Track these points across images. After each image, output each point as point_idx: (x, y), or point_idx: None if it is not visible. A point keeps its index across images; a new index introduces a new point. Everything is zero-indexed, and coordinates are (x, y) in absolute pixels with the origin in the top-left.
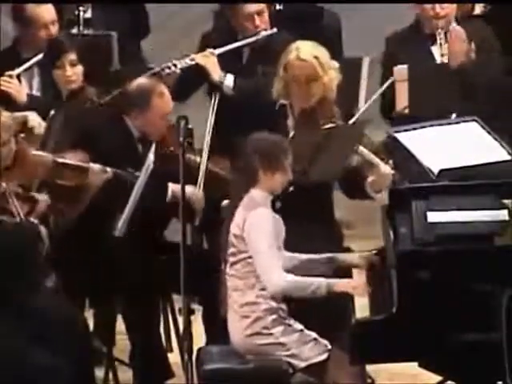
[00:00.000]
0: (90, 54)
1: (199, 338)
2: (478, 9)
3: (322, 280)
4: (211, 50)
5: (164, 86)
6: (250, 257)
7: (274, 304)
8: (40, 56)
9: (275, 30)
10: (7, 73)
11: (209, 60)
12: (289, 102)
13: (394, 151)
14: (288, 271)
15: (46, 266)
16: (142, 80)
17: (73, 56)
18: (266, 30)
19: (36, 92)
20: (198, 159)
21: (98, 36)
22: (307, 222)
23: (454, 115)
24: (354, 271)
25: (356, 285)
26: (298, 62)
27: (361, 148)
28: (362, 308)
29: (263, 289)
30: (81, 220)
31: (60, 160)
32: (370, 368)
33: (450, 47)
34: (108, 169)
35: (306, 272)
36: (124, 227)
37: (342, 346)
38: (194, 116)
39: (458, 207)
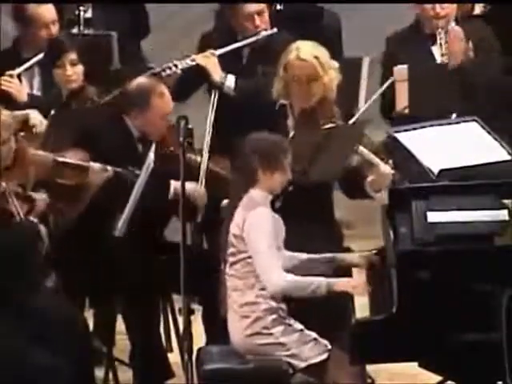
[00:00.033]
0: (90, 54)
1: (199, 338)
2: (478, 9)
3: (321, 279)
4: (212, 50)
5: (164, 86)
6: (249, 257)
7: (273, 304)
8: (40, 56)
9: (275, 29)
10: (8, 72)
11: (209, 61)
12: (289, 102)
13: (394, 151)
14: (288, 271)
15: (46, 266)
16: (141, 80)
17: (73, 56)
18: (266, 30)
19: (36, 92)
20: (198, 159)
21: (98, 36)
22: (307, 222)
23: (454, 115)
24: (354, 271)
25: (356, 284)
26: (298, 61)
27: (361, 148)
28: (362, 308)
29: (263, 289)
30: (81, 220)
31: (60, 159)
32: (370, 368)
33: (449, 47)
34: (108, 167)
35: (305, 272)
36: (124, 227)
37: (342, 345)
38: (194, 116)
39: (458, 207)
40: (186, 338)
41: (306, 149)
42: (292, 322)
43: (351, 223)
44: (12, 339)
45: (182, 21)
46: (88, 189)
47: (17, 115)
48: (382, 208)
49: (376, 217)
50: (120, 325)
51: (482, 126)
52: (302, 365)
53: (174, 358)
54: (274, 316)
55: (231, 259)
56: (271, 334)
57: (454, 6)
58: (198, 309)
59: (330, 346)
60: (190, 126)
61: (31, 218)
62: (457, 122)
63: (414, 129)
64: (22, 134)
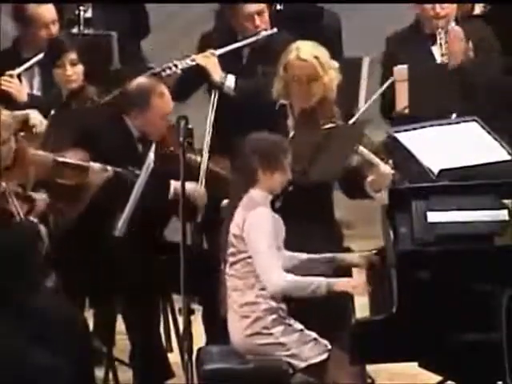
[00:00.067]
0: (90, 54)
1: (199, 338)
2: (478, 9)
3: (321, 279)
4: (212, 50)
5: (164, 86)
6: (249, 257)
7: (273, 304)
8: (40, 56)
9: (275, 29)
10: (8, 72)
11: (209, 61)
12: (289, 102)
13: (394, 151)
14: (288, 271)
15: (46, 266)
16: (141, 80)
17: (73, 55)
18: (266, 30)
19: (36, 91)
20: (198, 159)
21: (98, 36)
22: (307, 221)
23: (454, 115)
24: (354, 271)
25: (356, 284)
26: (298, 61)
27: (361, 148)
28: (362, 308)
29: (263, 289)
30: (81, 220)
31: (60, 159)
32: (370, 368)
33: (449, 47)
34: (108, 167)
35: (305, 271)
36: (124, 227)
37: (342, 345)
38: (194, 116)
39: (458, 207)
40: (185, 338)
41: (305, 149)
42: (292, 322)
43: (351, 223)
44: (12, 339)
45: (182, 21)
46: (88, 189)
47: (17, 115)
48: (382, 208)
49: (376, 217)
50: (120, 325)
51: (482, 126)
52: (302, 365)
53: (174, 358)
54: (273, 316)
55: (231, 259)
56: (271, 334)
57: (454, 5)
58: (198, 309)
59: (329, 346)
60: (189, 126)
61: (31, 218)
62: (457, 122)
63: (414, 129)
64: (21, 133)
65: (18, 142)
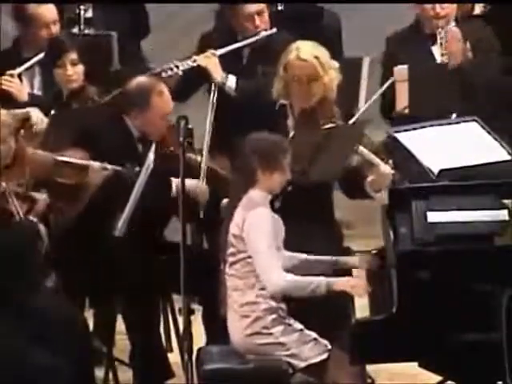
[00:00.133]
0: (90, 54)
1: (199, 338)
2: (478, 9)
3: (321, 279)
4: (212, 50)
5: (164, 85)
6: (249, 257)
7: (273, 304)
8: (41, 55)
9: (275, 30)
10: (8, 72)
11: (210, 61)
12: (289, 102)
13: (394, 151)
14: (288, 271)
15: (46, 266)
16: (141, 79)
17: (74, 55)
18: (266, 30)
19: (37, 91)
20: (198, 158)
21: (98, 36)
22: (307, 221)
23: (454, 115)
24: (354, 270)
25: (355, 284)
26: (299, 61)
27: (361, 148)
28: (361, 308)
29: (263, 288)
30: (81, 219)
31: (60, 158)
32: (370, 368)
33: (448, 48)
34: (108, 166)
35: (305, 271)
36: (124, 227)
37: (342, 345)
38: (193, 116)
39: (458, 207)
40: (185, 338)
41: (305, 149)
42: (292, 321)
43: (351, 223)
44: (12, 339)
45: (182, 21)
46: (87, 188)
47: (17, 113)
48: (382, 208)
49: (376, 217)
50: (120, 325)
51: (482, 126)
52: (302, 365)
53: (174, 358)
54: (273, 316)
55: (231, 259)
56: (271, 334)
57: (454, 5)
58: (198, 309)
59: (329, 346)
60: (189, 126)
61: (31, 218)
62: (457, 122)
63: (414, 129)
64: (21, 131)
65: (18, 141)
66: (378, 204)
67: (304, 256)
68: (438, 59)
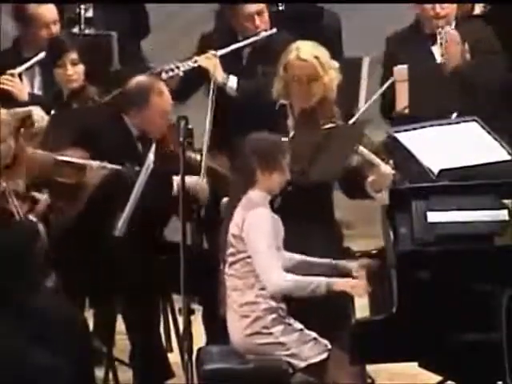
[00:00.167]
0: (90, 54)
1: (199, 338)
2: (478, 9)
3: (321, 279)
4: (213, 51)
5: (162, 84)
6: (248, 257)
7: (273, 303)
8: (41, 55)
9: (275, 30)
10: (9, 71)
11: (211, 62)
12: (289, 102)
13: (394, 151)
14: (288, 271)
15: (46, 266)
16: (140, 78)
17: (74, 55)
18: (266, 30)
19: (37, 91)
20: (198, 157)
21: (98, 36)
22: (307, 222)
23: (454, 115)
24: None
25: (355, 284)
26: (299, 61)
27: (361, 148)
28: (362, 308)
29: (263, 288)
30: (81, 219)
31: (60, 158)
32: (370, 368)
33: (447, 50)
34: (108, 165)
35: (304, 272)
36: (124, 227)
37: (342, 345)
38: (194, 116)
39: (458, 207)
40: (185, 337)
41: (305, 149)
42: (292, 321)
43: (351, 223)
44: (12, 339)
45: (182, 21)
46: (87, 187)
47: (18, 112)
48: (382, 208)
49: (376, 217)
50: (120, 325)
51: (482, 126)
52: (302, 364)
53: (174, 358)
54: (273, 315)
55: (230, 259)
56: (271, 334)
57: (454, 5)
58: (198, 309)
59: (329, 346)
60: (189, 127)
61: (30, 217)
62: (457, 122)
63: (414, 129)
64: (21, 130)
65: (18, 140)
66: (378, 204)
67: (302, 257)
68: (438, 59)
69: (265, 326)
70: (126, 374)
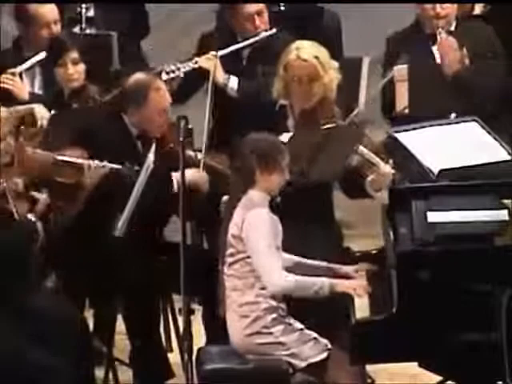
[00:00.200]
0: (90, 54)
1: (199, 338)
2: (478, 9)
3: (324, 280)
4: (213, 52)
5: (160, 81)
6: (248, 257)
7: (273, 303)
8: (42, 55)
9: (274, 30)
10: (9, 70)
11: (212, 63)
12: (289, 103)
13: (394, 151)
14: (288, 270)
15: (46, 266)
16: (138, 76)
17: (75, 54)
18: (266, 30)
19: (38, 90)
20: (198, 155)
21: (98, 35)
22: (307, 222)
23: (453, 115)
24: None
25: (357, 285)
26: (299, 61)
27: (361, 148)
28: (361, 308)
29: (263, 288)
30: (81, 219)
31: (59, 157)
32: (370, 368)
33: (443, 58)
34: (108, 165)
35: (302, 273)
36: (124, 227)
37: (342, 345)
38: (194, 116)
39: (458, 207)
40: (185, 338)
41: (305, 149)
42: (292, 321)
43: (351, 223)
44: (12, 339)
45: (182, 21)
46: (87, 187)
47: (20, 109)
48: (382, 208)
49: (376, 217)
50: (120, 325)
51: (482, 126)
52: (302, 364)
53: (174, 358)
54: (273, 315)
55: (230, 259)
56: (271, 334)
57: (455, 5)
58: (197, 309)
59: (329, 345)
60: (189, 126)
61: (29, 217)
62: (457, 122)
63: (414, 129)
64: (21, 127)
65: (18, 139)
66: (378, 204)
67: (299, 259)
68: (438, 59)
69: (265, 326)
70: (126, 374)
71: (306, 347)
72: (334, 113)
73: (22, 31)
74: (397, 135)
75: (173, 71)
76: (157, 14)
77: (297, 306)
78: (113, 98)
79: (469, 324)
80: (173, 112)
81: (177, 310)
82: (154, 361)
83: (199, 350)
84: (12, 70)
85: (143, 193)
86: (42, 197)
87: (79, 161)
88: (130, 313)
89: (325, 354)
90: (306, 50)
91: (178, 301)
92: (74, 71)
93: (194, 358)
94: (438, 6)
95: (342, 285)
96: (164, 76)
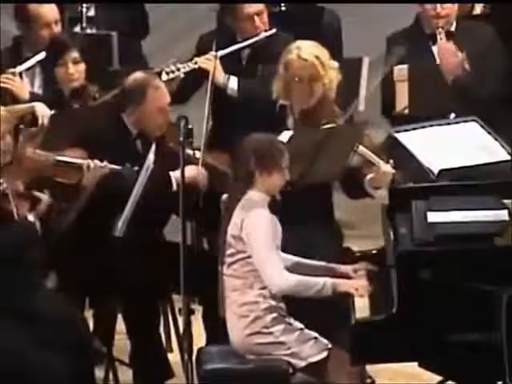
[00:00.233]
0: (90, 53)
1: (199, 338)
2: (478, 9)
3: (326, 279)
4: (213, 52)
5: (159, 80)
6: (248, 256)
7: (273, 303)
8: (42, 54)
9: (274, 30)
10: (9, 70)
11: (212, 63)
12: (289, 103)
13: (394, 151)
14: (288, 271)
15: (46, 266)
16: (137, 74)
17: (75, 54)
18: (265, 30)
19: (37, 90)
20: (197, 154)
21: (98, 35)
22: (307, 222)
23: (453, 115)
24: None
25: (359, 285)
26: (299, 61)
27: (361, 147)
28: (361, 308)
29: (262, 288)
30: (81, 219)
31: (60, 158)
32: (370, 368)
33: (443, 64)
34: (108, 165)
35: (304, 272)
36: (124, 227)
37: (342, 345)
38: (194, 116)
39: (457, 207)
40: (186, 338)
41: (306, 149)
42: (292, 320)
43: (351, 223)
44: (12, 339)
45: (182, 21)
46: (87, 188)
47: (21, 108)
48: (382, 208)
49: (376, 217)
50: (120, 325)
51: (482, 126)
52: (302, 364)
53: (174, 358)
54: (273, 315)
55: (229, 260)
56: (271, 333)
57: (455, 5)
58: (197, 309)
59: (330, 345)
60: (189, 127)
61: (29, 217)
62: (457, 122)
63: (414, 129)
64: (21, 126)
65: (18, 138)
66: (378, 204)
67: (298, 259)
68: (439, 59)
69: (265, 326)
70: (126, 374)
71: (307, 346)
72: (334, 113)
73: (22, 31)
74: (397, 135)
75: (173, 71)
76: (157, 14)
77: (297, 306)
78: (112, 97)
79: (469, 324)
80: (173, 112)
81: (177, 310)
82: (154, 361)
83: (199, 350)
84: (12, 70)
85: (143, 193)
86: (45, 197)
87: (79, 161)
88: (130, 313)
89: (325, 354)
90: (306, 50)
91: (177, 301)
92: (75, 71)
93: (194, 357)
94: (438, 5)
95: (344, 284)
96: (164, 76)
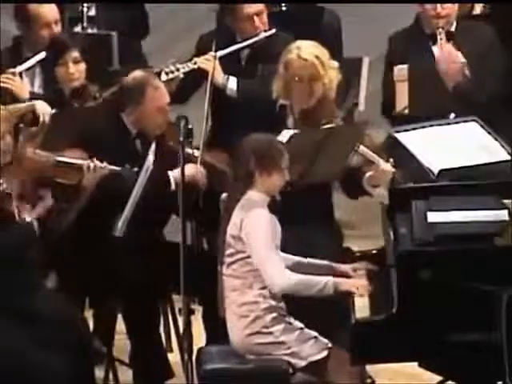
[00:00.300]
0: (90, 53)
1: (199, 338)
2: (478, 9)
3: (327, 278)
4: (213, 52)
5: (158, 79)
6: (247, 256)
7: (273, 302)
8: (42, 54)
9: (274, 30)
10: (9, 70)
11: (211, 63)
12: (289, 102)
13: (394, 151)
14: (289, 270)
15: (46, 266)
16: (136, 73)
17: (75, 53)
18: (265, 30)
19: (38, 90)
20: (196, 153)
21: (98, 35)
22: (307, 222)
23: (452, 115)
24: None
25: (360, 284)
26: (299, 61)
27: (361, 147)
28: (361, 308)
29: (262, 288)
30: (81, 220)
31: (60, 158)
32: (370, 368)
33: (443, 71)
34: (108, 166)
35: (303, 271)
36: (124, 227)
37: (342, 345)
38: (194, 116)
39: (457, 207)
40: (186, 338)
41: (305, 149)
42: (292, 320)
43: (351, 223)
44: (12, 339)
45: (182, 21)
46: (87, 188)
47: (21, 107)
48: (382, 208)
49: (376, 217)
50: (120, 325)
51: (482, 126)
52: (302, 363)
53: (174, 357)
54: (273, 315)
55: (229, 260)
56: (271, 333)
57: (455, 5)
58: (197, 309)
59: (330, 344)
60: (189, 126)
61: (27, 218)
62: (457, 122)
63: (414, 129)
64: (21, 125)
65: (18, 138)
66: (378, 204)
67: (298, 258)
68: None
69: (264, 326)
70: (126, 374)
71: (307, 346)
72: (334, 113)
73: (22, 31)
74: (397, 135)
75: (172, 72)
76: (157, 14)
77: (297, 306)
78: (111, 94)
79: (469, 324)
80: (172, 112)
81: (177, 310)
82: (154, 361)
83: (199, 350)
84: (12, 70)
85: (143, 193)
86: (44, 198)
87: (79, 162)
88: (130, 313)
89: (325, 353)
90: (306, 50)
91: (177, 301)
92: (75, 70)
93: (194, 357)
94: (438, 5)
95: (346, 283)
96: (163, 76)
